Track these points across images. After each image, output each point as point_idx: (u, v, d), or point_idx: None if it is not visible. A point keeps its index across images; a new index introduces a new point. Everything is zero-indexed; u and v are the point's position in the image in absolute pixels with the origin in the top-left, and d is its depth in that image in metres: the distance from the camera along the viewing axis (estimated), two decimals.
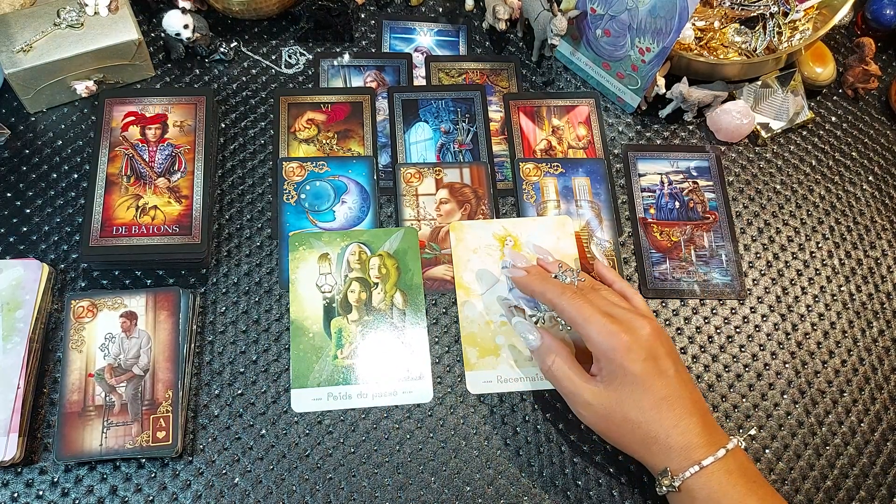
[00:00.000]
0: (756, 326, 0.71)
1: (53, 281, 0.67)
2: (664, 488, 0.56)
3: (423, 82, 0.81)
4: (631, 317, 0.59)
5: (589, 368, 0.60)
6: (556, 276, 0.64)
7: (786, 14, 0.81)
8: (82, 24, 0.72)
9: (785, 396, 0.68)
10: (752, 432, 0.65)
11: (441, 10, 0.85)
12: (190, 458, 0.62)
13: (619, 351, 0.57)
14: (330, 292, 0.68)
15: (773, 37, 0.80)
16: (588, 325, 0.58)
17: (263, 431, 0.63)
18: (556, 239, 0.72)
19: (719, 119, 0.78)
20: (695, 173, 0.77)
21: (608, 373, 0.58)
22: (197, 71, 0.79)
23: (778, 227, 0.76)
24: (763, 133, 0.79)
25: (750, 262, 0.74)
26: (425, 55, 0.82)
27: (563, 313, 0.61)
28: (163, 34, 0.76)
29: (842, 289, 0.73)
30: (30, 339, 0.62)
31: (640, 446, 0.57)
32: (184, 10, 0.75)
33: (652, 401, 0.56)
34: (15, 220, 0.70)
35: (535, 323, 0.66)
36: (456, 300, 0.69)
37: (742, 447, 0.57)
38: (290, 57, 0.81)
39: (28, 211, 0.71)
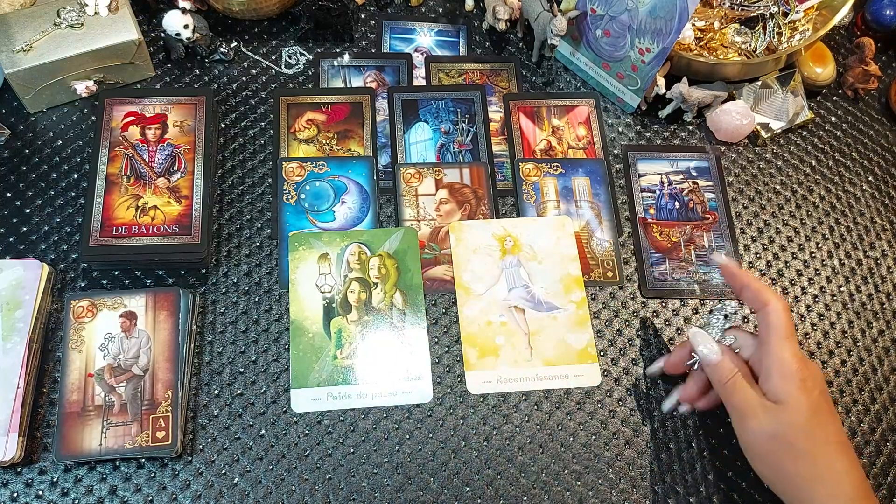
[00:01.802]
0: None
1: (53, 281, 0.67)
2: None
3: (423, 82, 0.81)
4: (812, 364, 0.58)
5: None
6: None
7: (786, 14, 0.81)
8: (82, 24, 0.72)
9: None
10: None
11: (441, 10, 0.85)
12: (189, 458, 0.62)
13: (801, 371, 0.55)
14: (330, 292, 0.68)
15: (773, 37, 0.80)
16: (787, 342, 0.56)
17: (263, 431, 0.63)
18: (556, 239, 0.72)
19: (719, 119, 0.78)
20: (695, 173, 0.77)
21: (783, 394, 0.55)
22: (197, 71, 0.79)
23: (778, 228, 0.76)
24: (763, 133, 0.79)
25: (750, 262, 0.74)
26: (425, 55, 0.82)
27: (771, 315, 0.57)
28: (163, 34, 0.76)
29: (842, 289, 0.73)
30: (30, 338, 0.62)
31: (802, 484, 0.54)
32: (184, 10, 0.75)
33: (825, 437, 0.54)
34: (15, 220, 0.70)
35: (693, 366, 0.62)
36: (456, 300, 0.69)
37: None
38: (290, 57, 0.81)
39: (28, 211, 0.71)
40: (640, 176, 0.77)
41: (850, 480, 0.53)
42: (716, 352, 0.59)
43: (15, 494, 0.60)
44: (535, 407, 0.66)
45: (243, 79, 0.79)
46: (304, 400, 0.64)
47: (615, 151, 0.78)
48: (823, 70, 0.81)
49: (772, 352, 0.56)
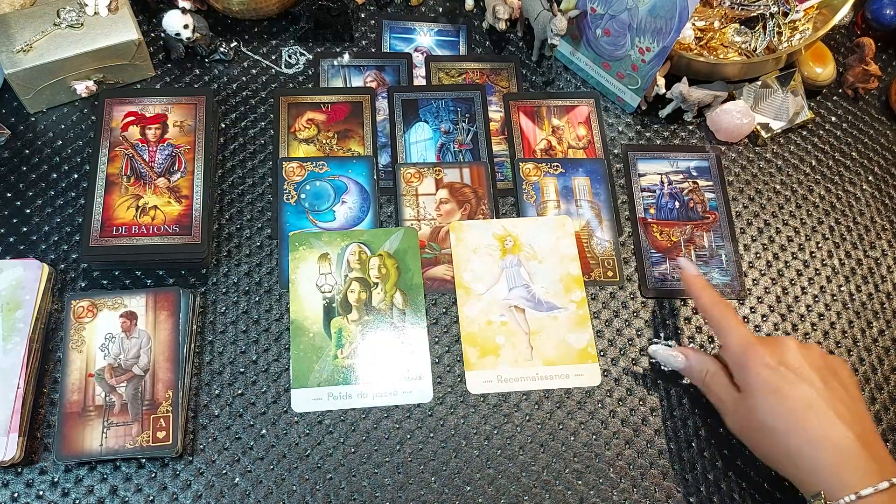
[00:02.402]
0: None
1: (53, 281, 0.67)
2: None
3: (423, 82, 0.81)
4: (775, 338, 0.60)
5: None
6: None
7: (786, 14, 0.81)
8: (82, 24, 0.72)
9: None
10: None
11: (441, 10, 0.85)
12: (190, 458, 0.62)
13: (750, 356, 0.57)
14: (330, 292, 0.68)
15: (773, 37, 0.80)
16: (730, 332, 0.59)
17: (263, 431, 0.63)
18: (556, 239, 0.72)
19: (719, 119, 0.78)
20: (695, 173, 0.77)
21: (744, 380, 0.58)
22: (197, 71, 0.79)
23: (778, 227, 0.76)
24: (763, 133, 0.79)
25: (750, 262, 0.74)
26: (425, 55, 0.82)
27: (707, 314, 0.62)
28: (163, 34, 0.76)
29: (842, 289, 0.73)
30: (30, 339, 0.62)
31: (785, 460, 0.55)
32: (184, 10, 0.75)
33: (789, 407, 0.54)
34: (15, 220, 0.70)
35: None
36: (456, 300, 0.69)
37: None
38: (290, 57, 0.81)
39: (28, 211, 0.71)
40: (640, 176, 0.77)
41: (829, 443, 0.53)
42: (679, 357, 0.63)
43: (15, 494, 0.60)
44: (536, 406, 0.66)
45: (243, 79, 0.79)
46: (304, 400, 0.64)
47: (615, 151, 0.78)
48: (823, 70, 0.81)
49: (724, 347, 0.60)
